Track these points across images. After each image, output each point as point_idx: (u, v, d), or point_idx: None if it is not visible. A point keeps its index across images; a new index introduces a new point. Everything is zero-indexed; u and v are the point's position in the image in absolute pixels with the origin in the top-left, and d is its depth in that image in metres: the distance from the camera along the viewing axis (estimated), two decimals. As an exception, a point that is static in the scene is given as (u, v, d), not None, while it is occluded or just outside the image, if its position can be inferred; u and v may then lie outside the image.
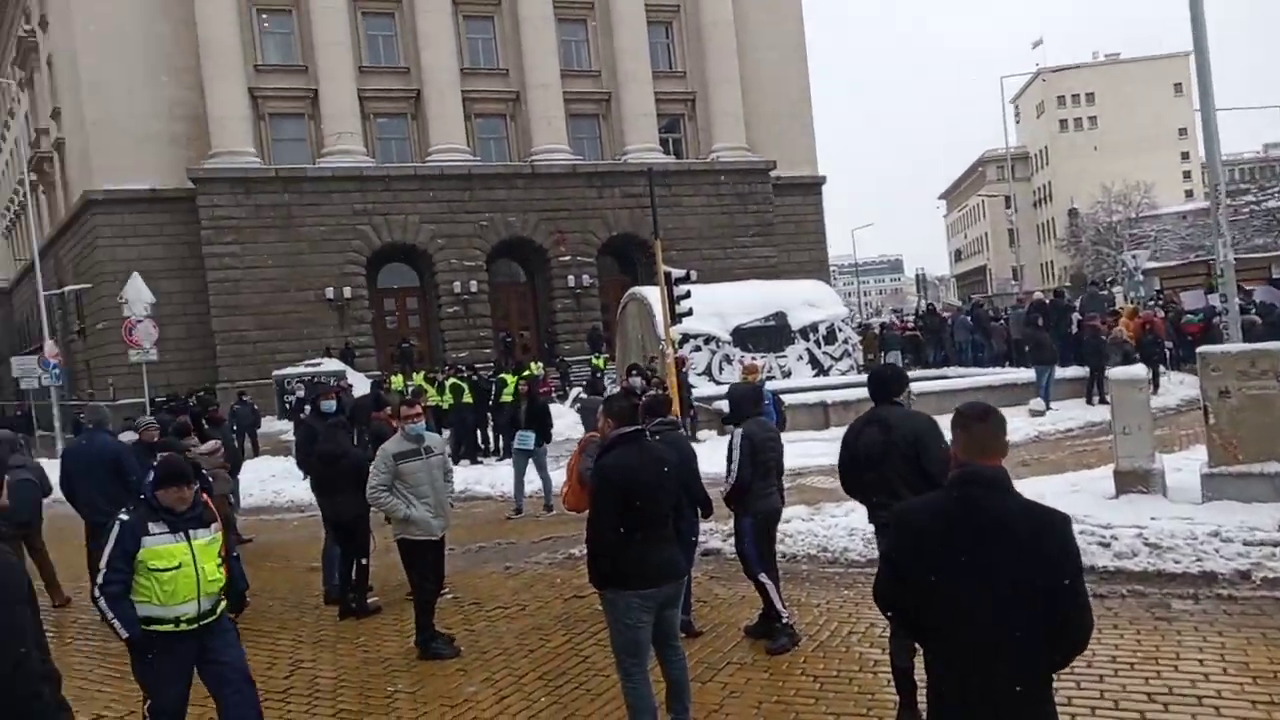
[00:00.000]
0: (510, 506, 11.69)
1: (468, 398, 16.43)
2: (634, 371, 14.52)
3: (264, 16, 31.28)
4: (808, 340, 20.01)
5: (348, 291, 29.80)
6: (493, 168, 32.56)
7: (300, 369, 23.69)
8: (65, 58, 31.53)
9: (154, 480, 4.35)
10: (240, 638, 4.66)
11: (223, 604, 4.47)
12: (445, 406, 16.67)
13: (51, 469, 9.09)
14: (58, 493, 8.40)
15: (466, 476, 14.12)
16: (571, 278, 32.72)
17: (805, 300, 20.84)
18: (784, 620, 5.95)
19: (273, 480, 14.54)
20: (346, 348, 27.90)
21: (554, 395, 22.90)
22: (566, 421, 15.92)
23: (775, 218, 36.10)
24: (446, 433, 15.89)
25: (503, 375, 16.19)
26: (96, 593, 4.17)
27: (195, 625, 4.27)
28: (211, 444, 8.69)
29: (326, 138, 30.69)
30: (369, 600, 7.53)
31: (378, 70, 32.27)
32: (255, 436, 19.53)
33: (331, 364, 24.35)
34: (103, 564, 4.18)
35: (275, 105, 31.36)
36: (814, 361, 19.97)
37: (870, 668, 5.53)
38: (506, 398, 14.87)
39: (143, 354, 16.57)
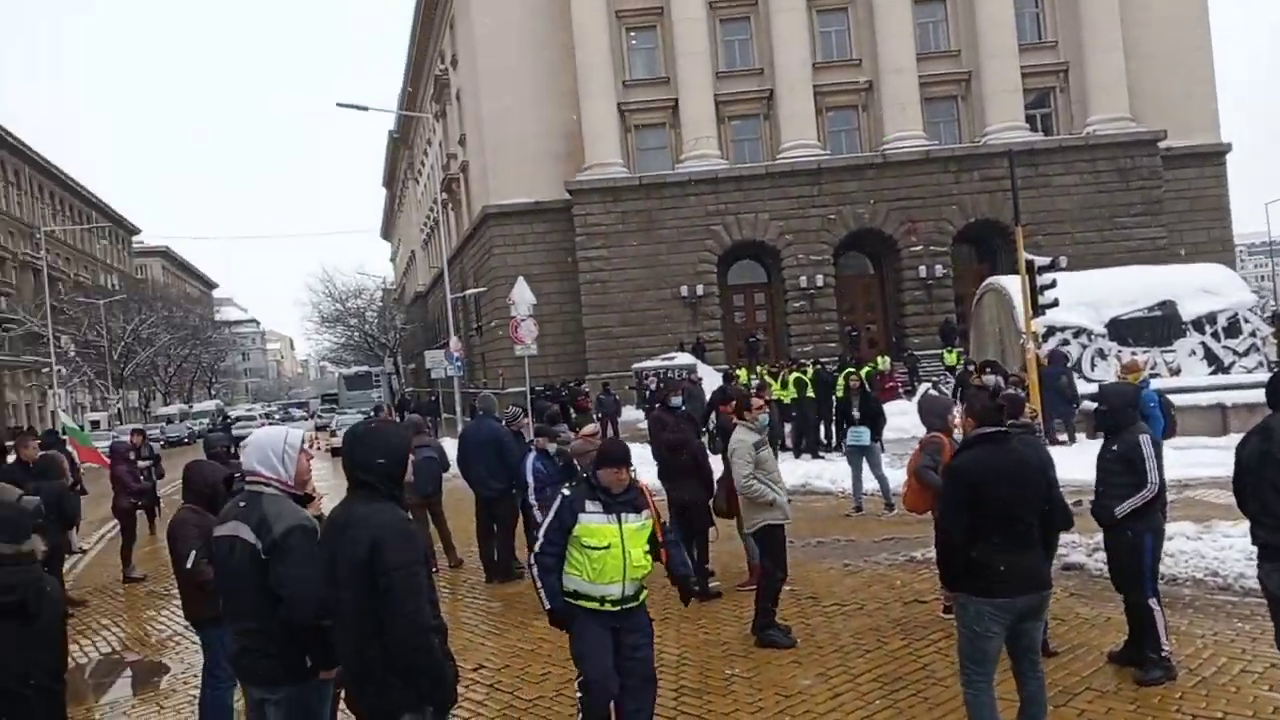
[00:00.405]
0: (851, 503, 11.56)
1: (810, 392, 16.47)
2: (989, 368, 13.65)
3: (632, 35, 33.68)
4: (1202, 333, 17.37)
5: (700, 289, 31.24)
6: (842, 160, 32.23)
7: (656, 362, 25.25)
8: (470, 91, 36.47)
9: (596, 460, 4.58)
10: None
11: (644, 592, 4.50)
12: (787, 400, 16.85)
13: (451, 448, 10.61)
14: (455, 469, 9.78)
15: (807, 471, 14.19)
16: (923, 268, 31.41)
17: (1200, 286, 18.08)
18: (1164, 652, 5.29)
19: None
20: (698, 342, 29.24)
21: (901, 391, 22.17)
22: (914, 419, 15.33)
23: (1165, 194, 31.80)
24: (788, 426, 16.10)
25: (848, 370, 16.00)
26: (532, 559, 4.43)
27: (618, 608, 4.34)
28: (592, 427, 9.57)
29: (685, 144, 32.36)
30: (710, 585, 7.87)
31: (733, 74, 33.37)
32: (616, 424, 21.19)
33: (684, 358, 25.65)
34: (540, 533, 4.43)
35: (640, 118, 33.67)
36: (1210, 357, 17.29)
37: (1268, 714, 4.74)
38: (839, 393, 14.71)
39: (526, 349, 18.69)
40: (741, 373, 20.88)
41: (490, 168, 34.56)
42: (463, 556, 9.90)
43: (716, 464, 8.05)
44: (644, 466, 9.76)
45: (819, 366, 18.07)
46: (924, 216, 31.51)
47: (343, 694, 3.24)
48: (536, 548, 4.40)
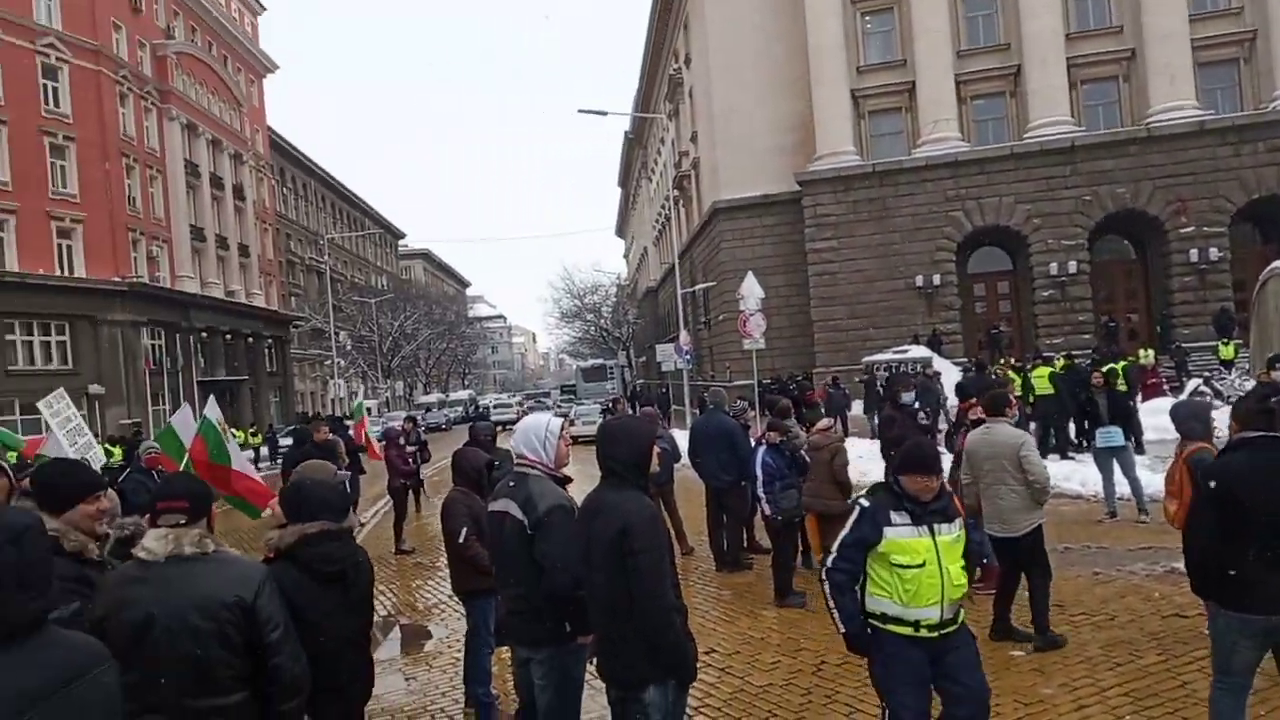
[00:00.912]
0: (1103, 508, 10.77)
1: (1058, 388, 15.41)
2: (1277, 364, 12.19)
3: (866, 19, 32.79)
4: None
5: (937, 279, 29.94)
6: (1098, 136, 29.65)
7: (888, 355, 24.52)
8: (702, 89, 37.09)
9: (898, 464, 3.94)
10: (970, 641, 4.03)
11: (963, 613, 3.93)
12: (1032, 398, 15.85)
13: (682, 439, 10.99)
14: (685, 459, 10.12)
15: (1055, 472, 13.26)
16: (1194, 251, 28.27)
17: None
18: None
19: (859, 461, 15.37)
20: (934, 334, 28.06)
21: (1166, 388, 20.20)
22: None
23: None
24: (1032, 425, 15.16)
25: (1111, 365, 14.86)
26: (823, 576, 3.89)
27: (935, 633, 3.79)
28: (826, 421, 9.58)
29: (922, 127, 31.13)
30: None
31: (975, 52, 31.64)
32: (846, 419, 20.84)
33: (918, 351, 24.72)
34: (835, 546, 3.88)
35: (874, 103, 32.75)
36: None
37: None
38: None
39: (754, 343, 18.84)
40: (1005, 371, 19.71)
41: (720, 163, 35.02)
42: (693, 545, 10.24)
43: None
44: (871, 463, 9.70)
45: (1070, 360, 16.83)
46: (1196, 194, 28.37)
47: (595, 660, 3.56)
48: (829, 562, 3.87)
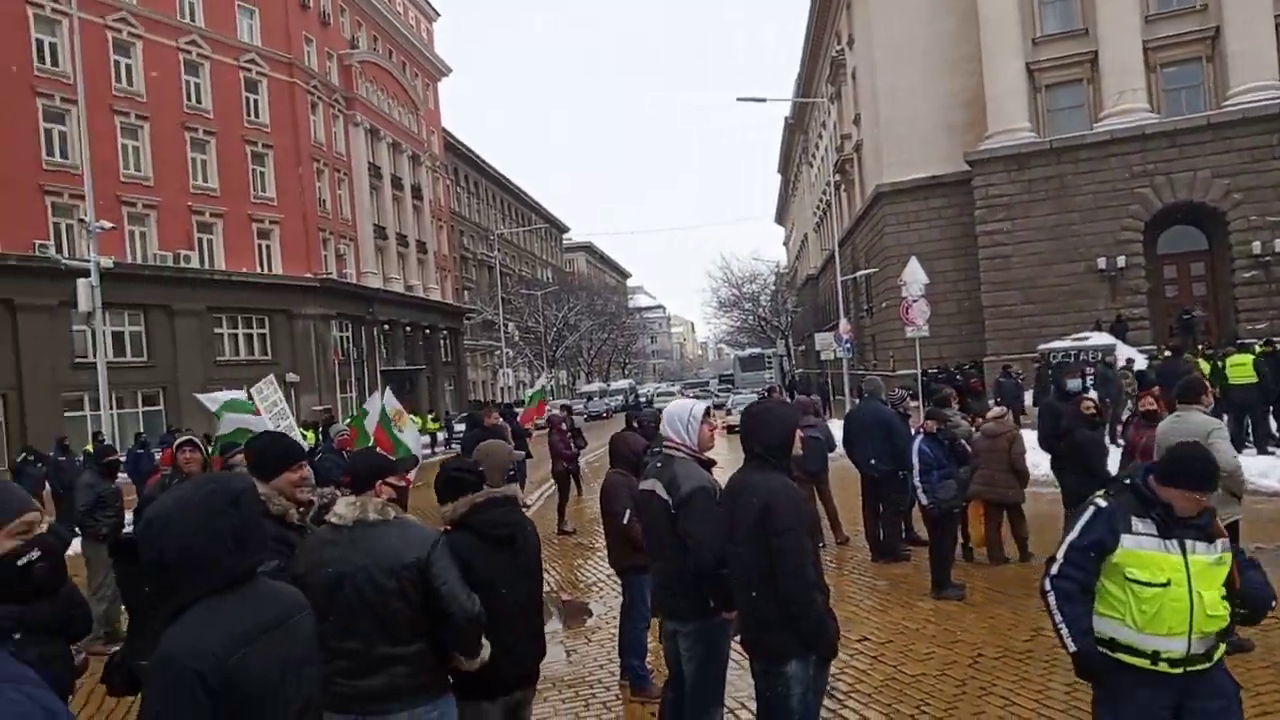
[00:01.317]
0: (1310, 509, 9.87)
1: (1258, 377, 14.13)
2: None
3: (1043, -13, 31.01)
4: None
5: (1121, 260, 27.96)
6: (1314, 101, 26.81)
7: (1066, 343, 23.15)
8: (865, 69, 36.17)
9: (1163, 472, 3.21)
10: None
11: (1221, 649, 3.20)
12: (1223, 387, 14.60)
13: (837, 428, 10.89)
14: (841, 449, 10.03)
15: (1253, 468, 12.23)
16: None
17: None
18: None
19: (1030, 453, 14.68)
20: (1118, 320, 26.25)
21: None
22: None
23: None
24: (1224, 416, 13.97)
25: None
26: (1047, 585, 3.29)
27: (1179, 670, 3.11)
28: (999, 409, 9.32)
29: (1106, 99, 29.11)
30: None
31: (1166, 15, 29.22)
32: (1018, 410, 19.86)
33: (1100, 338, 23.20)
34: (1060, 551, 3.29)
35: (1052, 76, 30.89)
36: None
37: None
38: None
39: (917, 331, 18.26)
40: (1201, 362, 18.33)
41: (884, 145, 34.05)
42: (848, 535, 10.15)
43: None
44: (1038, 454, 9.28)
45: (1271, 346, 15.36)
46: None
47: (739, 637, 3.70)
48: (1054, 569, 3.28)
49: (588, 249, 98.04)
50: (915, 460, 7.97)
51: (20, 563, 1.73)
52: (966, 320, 31.19)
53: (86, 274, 18.24)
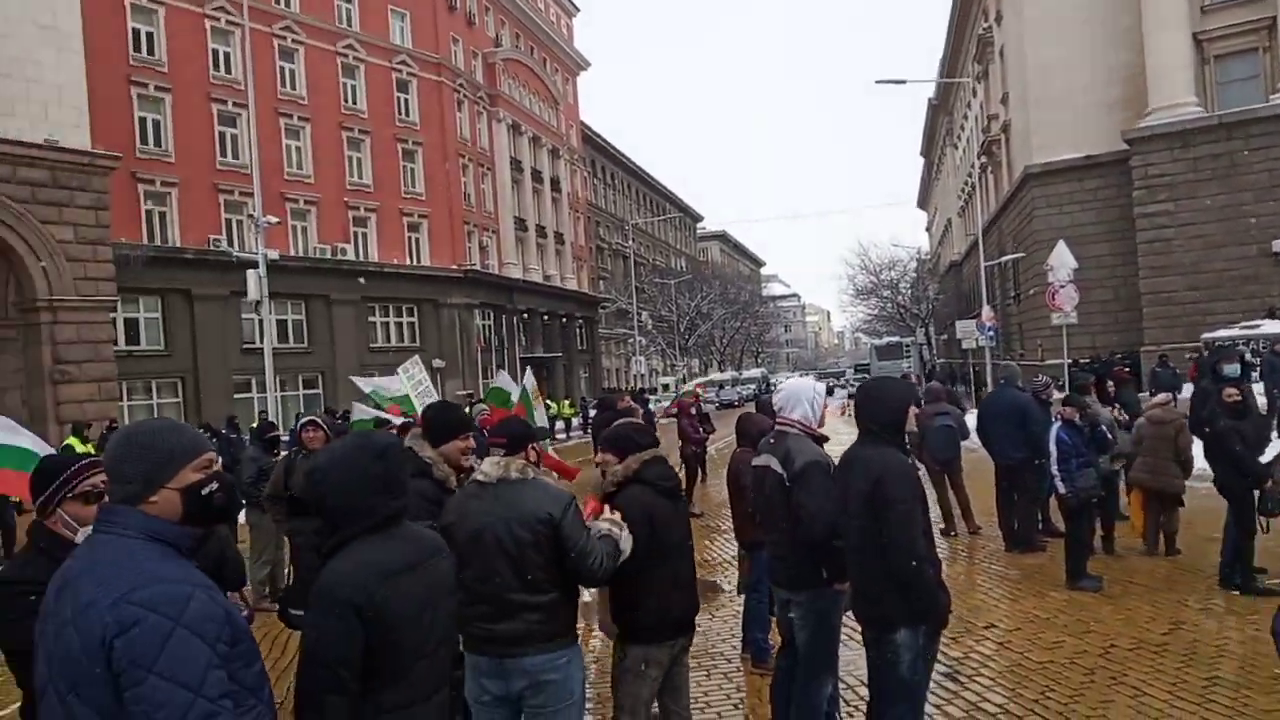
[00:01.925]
0: None
1: None
2: None
3: (1209, -49, 28.86)
4: None
5: (1300, 243, 25.78)
6: None
7: (1234, 331, 21.57)
8: (1014, 46, 34.58)
9: None
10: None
11: None
12: None
13: (972, 419, 10.63)
14: (975, 438, 9.81)
15: None
16: None
17: None
18: None
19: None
20: (1295, 307, 24.21)
21: None
22: None
23: None
24: None
25: None
26: None
27: None
28: (1164, 395, 8.94)
29: (1284, 69, 26.88)
30: (1262, 581, 6.93)
31: (1353, -27, 26.71)
32: (1175, 401, 18.69)
33: (1272, 325, 21.48)
34: None
35: (1222, 45, 28.69)
36: None
37: None
38: None
39: (1064, 317, 17.47)
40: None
41: (1034, 124, 32.50)
42: (980, 524, 9.92)
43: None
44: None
45: None
46: None
47: (849, 603, 3.82)
48: None
49: (721, 238, 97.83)
50: (1053, 448, 7.74)
51: (203, 492, 2.07)
52: (1123, 307, 29.47)
53: (255, 265, 19.77)
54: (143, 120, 27.89)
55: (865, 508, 3.51)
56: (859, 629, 3.87)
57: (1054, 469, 7.72)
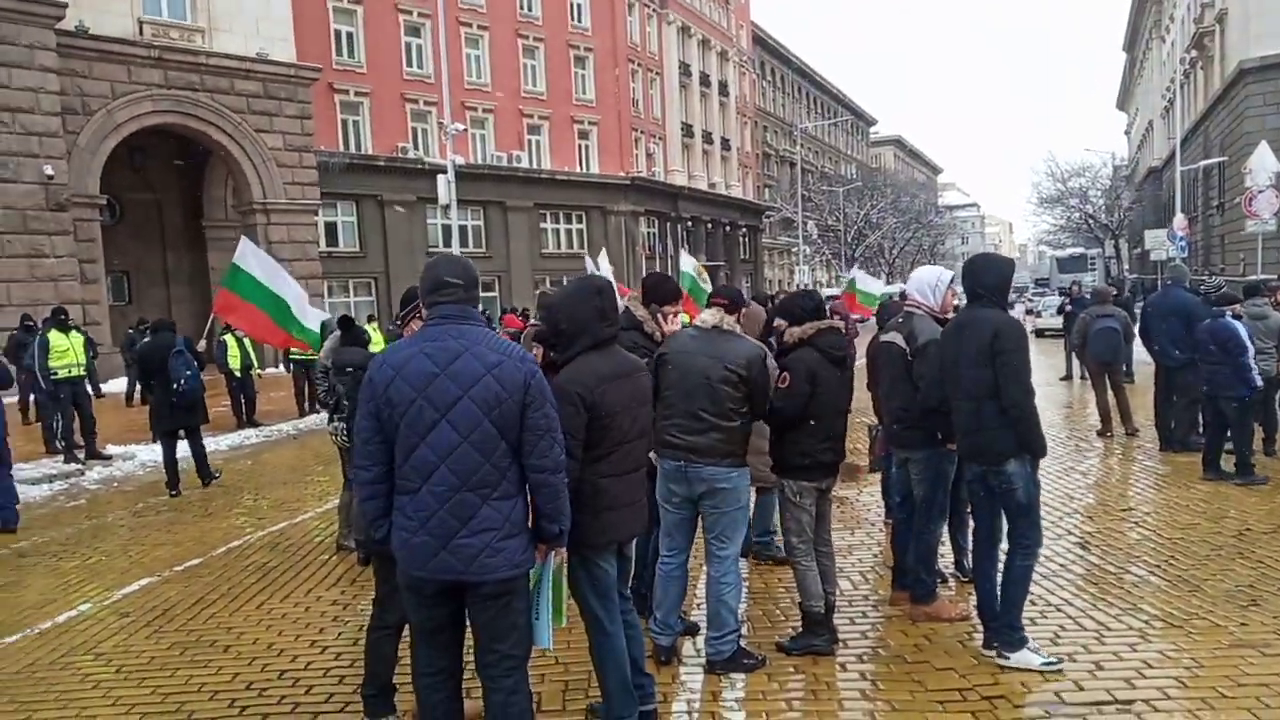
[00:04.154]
0: None
1: None
2: None
3: None
4: None
5: None
6: None
7: None
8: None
9: None
10: None
11: None
12: None
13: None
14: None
15: None
16: None
17: None
18: None
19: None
20: None
21: None
22: None
23: None
24: None
25: None
26: None
27: None
28: None
29: None
30: None
31: None
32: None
33: None
34: None
35: None
36: None
37: None
38: None
39: (1260, 225, 16.33)
40: None
41: (1254, 10, 29.39)
42: (1138, 426, 9.93)
43: None
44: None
45: None
46: None
47: (955, 447, 4.41)
48: None
49: (897, 143, 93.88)
50: (1246, 342, 7.46)
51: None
52: (1343, 218, 26.78)
53: (442, 171, 21.22)
54: (338, 33, 29.81)
55: (981, 357, 4.09)
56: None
57: (1248, 360, 7.42)
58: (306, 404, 14.71)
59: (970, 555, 4.78)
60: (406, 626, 3.34)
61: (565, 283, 3.57)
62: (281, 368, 20.00)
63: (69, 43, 19.71)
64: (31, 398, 13.81)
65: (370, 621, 3.78)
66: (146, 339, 10.44)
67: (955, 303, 4.93)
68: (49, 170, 18.77)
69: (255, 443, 12.66)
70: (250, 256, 10.20)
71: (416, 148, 31.33)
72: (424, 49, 31.89)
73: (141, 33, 21.79)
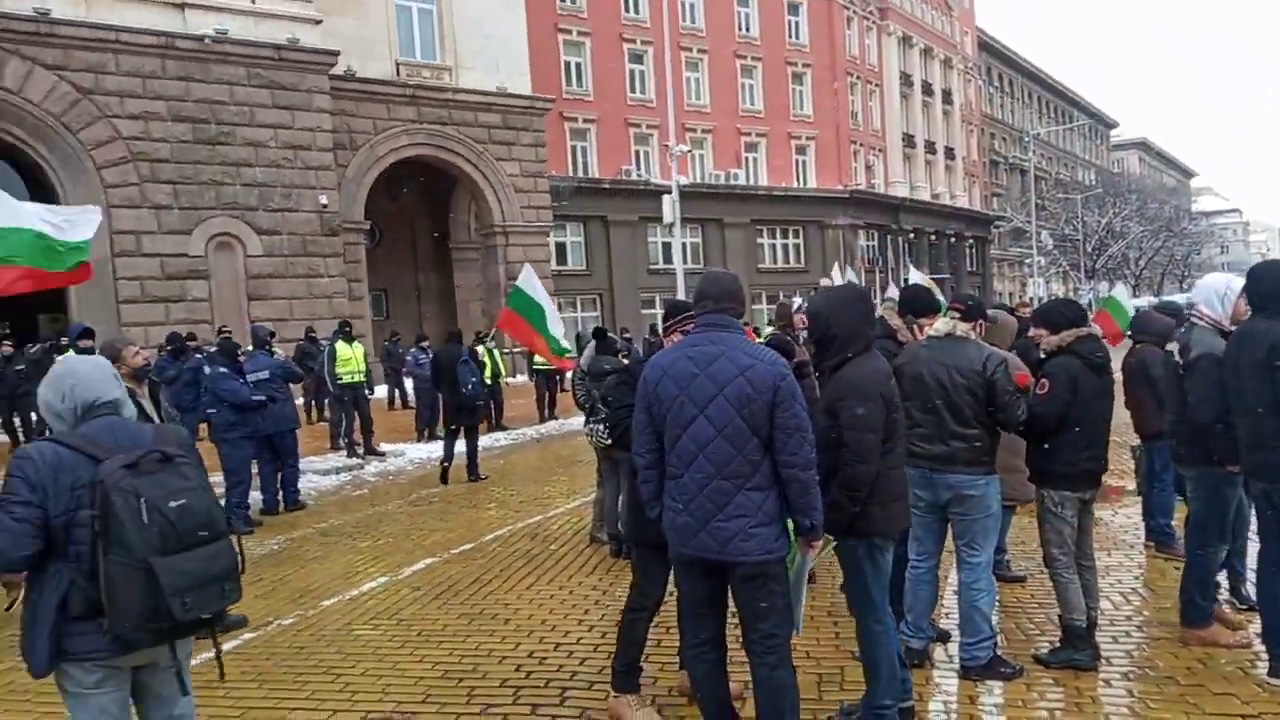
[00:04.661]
0: None
1: None
2: None
3: None
4: None
5: None
6: None
7: None
8: None
9: None
10: None
11: None
12: None
13: None
14: None
15: None
16: None
17: None
18: None
19: None
20: None
21: None
22: None
23: None
24: None
25: None
26: None
27: None
28: None
29: None
30: None
31: None
32: None
33: None
34: None
35: None
36: None
37: None
38: None
39: None
40: None
41: None
42: None
43: None
44: None
45: None
46: None
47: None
48: None
49: (1142, 145, 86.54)
50: None
51: None
52: None
53: (666, 191, 21.98)
54: (568, 64, 31.61)
55: (1260, 369, 3.86)
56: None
57: None
58: (547, 410, 15.84)
59: (1251, 582, 4.51)
60: (658, 611, 3.71)
61: (818, 293, 3.79)
62: (525, 376, 21.47)
63: (340, 85, 22.17)
64: (314, 401, 15.71)
65: (627, 604, 4.10)
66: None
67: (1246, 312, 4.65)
68: (324, 199, 21.16)
69: (504, 445, 13.73)
70: (531, 279, 11.49)
71: (639, 169, 32.56)
72: (646, 74, 33.15)
73: (399, 73, 24.14)
